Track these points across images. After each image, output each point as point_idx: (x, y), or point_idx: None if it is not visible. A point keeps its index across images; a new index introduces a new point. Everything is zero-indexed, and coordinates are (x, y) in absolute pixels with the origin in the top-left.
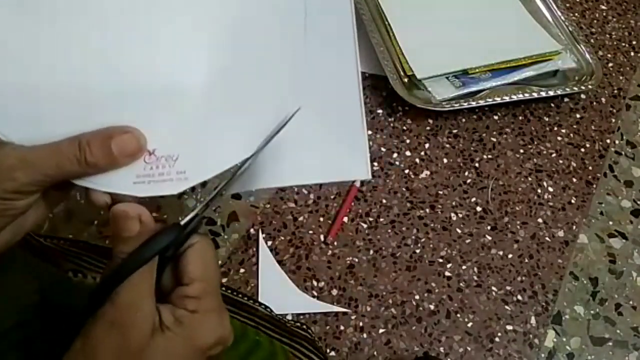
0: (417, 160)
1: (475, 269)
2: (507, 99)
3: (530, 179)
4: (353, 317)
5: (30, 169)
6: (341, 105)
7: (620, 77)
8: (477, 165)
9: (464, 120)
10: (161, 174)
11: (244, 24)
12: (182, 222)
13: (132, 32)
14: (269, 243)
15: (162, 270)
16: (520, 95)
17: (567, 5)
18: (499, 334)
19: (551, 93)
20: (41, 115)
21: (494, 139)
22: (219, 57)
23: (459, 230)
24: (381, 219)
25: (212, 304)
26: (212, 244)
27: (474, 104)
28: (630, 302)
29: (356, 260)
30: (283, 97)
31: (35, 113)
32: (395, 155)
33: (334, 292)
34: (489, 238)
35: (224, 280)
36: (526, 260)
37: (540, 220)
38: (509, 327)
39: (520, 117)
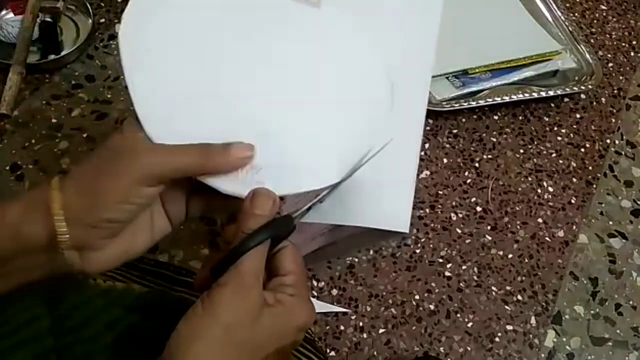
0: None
1: (475, 269)
2: (507, 99)
3: (530, 179)
4: (353, 317)
5: (162, 154)
6: (400, 153)
7: (620, 77)
8: (477, 165)
9: (464, 120)
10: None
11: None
12: (294, 215)
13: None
14: None
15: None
16: (520, 95)
17: (567, 5)
18: (499, 334)
19: (551, 93)
20: (194, 133)
21: (494, 139)
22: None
23: (459, 230)
24: None
25: (304, 293)
26: (297, 248)
27: (474, 104)
28: (630, 302)
29: (356, 260)
30: (376, 128)
31: (189, 130)
32: None
33: (334, 292)
34: (489, 238)
35: None
36: (526, 260)
37: (540, 220)
38: (509, 327)
39: (520, 117)
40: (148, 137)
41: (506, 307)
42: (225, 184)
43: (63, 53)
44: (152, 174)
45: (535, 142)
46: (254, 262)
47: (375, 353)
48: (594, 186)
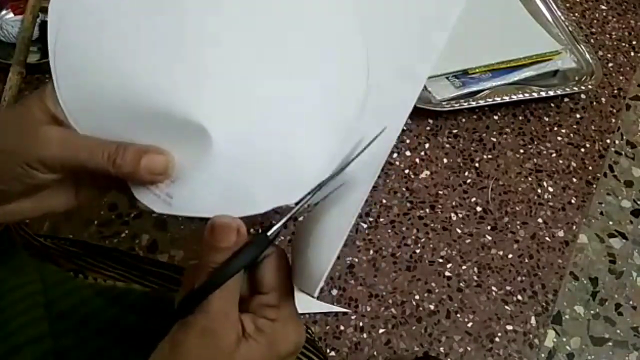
0: (417, 160)
1: (475, 269)
2: (507, 99)
3: (530, 179)
4: (353, 317)
5: (66, 147)
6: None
7: (620, 77)
8: (477, 165)
9: (464, 120)
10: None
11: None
12: (269, 234)
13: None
14: None
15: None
16: (520, 95)
17: (567, 5)
18: (499, 334)
19: (551, 93)
20: (111, 116)
21: (494, 139)
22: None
23: (459, 230)
24: (381, 219)
25: (290, 311)
26: (285, 253)
27: (474, 104)
28: (630, 302)
29: (356, 260)
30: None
31: (107, 112)
32: (395, 155)
33: (334, 292)
34: (489, 238)
35: None
36: (526, 260)
37: (540, 220)
38: (509, 327)
39: (520, 117)
40: (64, 118)
41: (506, 307)
42: (136, 190)
43: None
44: (51, 165)
45: (535, 142)
46: (224, 302)
47: (375, 353)
48: (594, 186)
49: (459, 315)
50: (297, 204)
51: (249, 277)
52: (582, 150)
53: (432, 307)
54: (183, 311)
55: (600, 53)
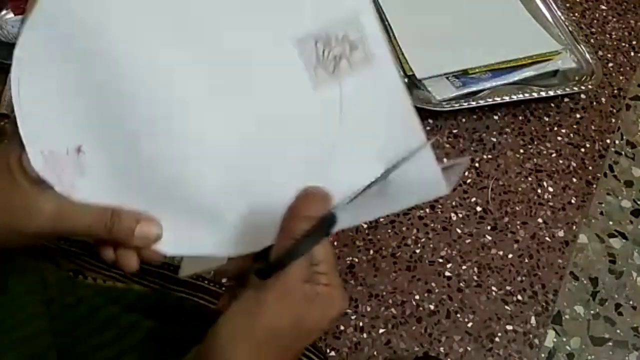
0: None
1: (475, 269)
2: (507, 99)
3: (530, 179)
4: (353, 317)
5: (60, 219)
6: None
7: (620, 77)
8: (477, 165)
9: (464, 120)
10: None
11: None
12: (333, 211)
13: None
14: None
15: None
16: (520, 95)
17: (567, 5)
18: (499, 334)
19: (551, 93)
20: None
21: (494, 139)
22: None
23: (459, 230)
24: (381, 219)
25: (337, 279)
26: None
27: (474, 104)
28: (630, 302)
29: (356, 260)
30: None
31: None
32: None
33: None
34: (489, 238)
35: (223, 280)
36: (526, 260)
37: (540, 220)
38: (509, 327)
39: (520, 117)
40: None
41: (506, 307)
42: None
43: None
44: (46, 235)
45: (535, 142)
46: (301, 270)
47: (375, 353)
48: (594, 186)
49: (459, 315)
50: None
51: None
52: (582, 150)
53: (432, 307)
54: (265, 273)
55: (600, 53)
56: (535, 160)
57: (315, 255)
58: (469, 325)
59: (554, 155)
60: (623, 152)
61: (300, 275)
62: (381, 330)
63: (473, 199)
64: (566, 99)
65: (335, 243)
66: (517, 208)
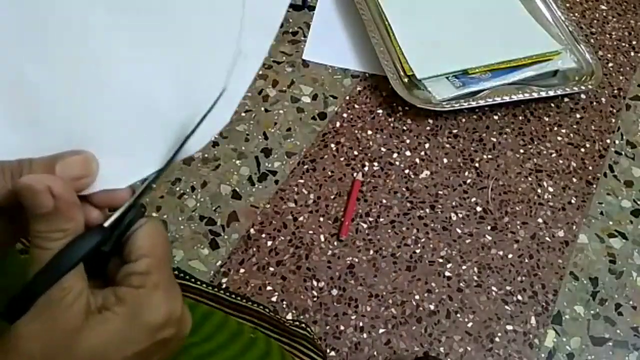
0: (417, 160)
1: (475, 269)
2: (507, 99)
3: (530, 179)
4: (353, 317)
5: None
6: None
7: (620, 77)
8: (477, 165)
9: (464, 120)
10: None
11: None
12: (106, 225)
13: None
14: (269, 243)
15: (106, 262)
16: (520, 95)
17: (567, 5)
18: (499, 334)
19: (551, 93)
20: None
21: (494, 139)
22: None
23: (459, 230)
24: (381, 219)
25: (161, 279)
26: (162, 224)
27: (474, 104)
28: (630, 302)
29: (356, 260)
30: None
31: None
32: (395, 155)
33: (334, 292)
34: (489, 238)
35: (224, 280)
36: (526, 260)
37: (540, 220)
38: (509, 327)
39: (520, 117)
40: None
41: (506, 307)
42: None
43: None
44: None
45: (535, 142)
46: (60, 292)
47: (375, 353)
48: (594, 186)
49: (459, 315)
50: (144, 181)
51: (122, 247)
52: (582, 150)
53: (432, 307)
54: (15, 313)
55: (600, 53)
56: (535, 160)
57: (135, 250)
58: (469, 325)
59: (553, 155)
60: (623, 152)
61: (60, 296)
62: (381, 330)
63: (473, 199)
64: (566, 99)
65: (335, 243)
66: (517, 208)
